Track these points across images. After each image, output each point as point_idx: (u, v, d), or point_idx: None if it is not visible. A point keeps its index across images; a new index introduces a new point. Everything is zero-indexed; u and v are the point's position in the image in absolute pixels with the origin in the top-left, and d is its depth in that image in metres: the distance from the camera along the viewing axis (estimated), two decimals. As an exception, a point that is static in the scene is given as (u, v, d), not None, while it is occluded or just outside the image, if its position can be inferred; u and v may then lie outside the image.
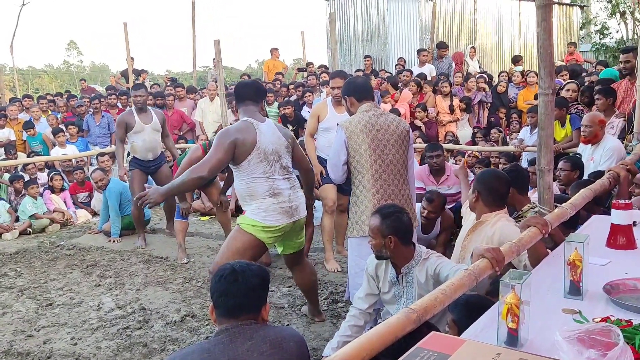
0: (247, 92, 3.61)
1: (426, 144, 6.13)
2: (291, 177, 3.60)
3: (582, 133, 4.82)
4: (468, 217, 3.33)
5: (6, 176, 7.85)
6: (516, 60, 11.13)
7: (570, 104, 6.32)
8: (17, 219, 7.22)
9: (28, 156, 8.57)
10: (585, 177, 4.26)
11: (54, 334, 4.03)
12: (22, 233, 7.02)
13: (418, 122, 8.32)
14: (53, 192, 7.67)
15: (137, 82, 10.33)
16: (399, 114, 7.96)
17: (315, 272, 4.10)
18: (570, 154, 5.25)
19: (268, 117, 4.22)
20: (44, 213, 7.24)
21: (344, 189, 4.61)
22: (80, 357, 3.67)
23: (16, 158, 8.37)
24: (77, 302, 4.62)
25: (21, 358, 3.69)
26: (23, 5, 17.33)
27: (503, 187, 3.10)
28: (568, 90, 6.57)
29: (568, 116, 6.11)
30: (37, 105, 9.95)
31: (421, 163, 6.19)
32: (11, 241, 6.75)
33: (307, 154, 5.38)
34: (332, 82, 4.96)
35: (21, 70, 35.20)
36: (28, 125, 9.04)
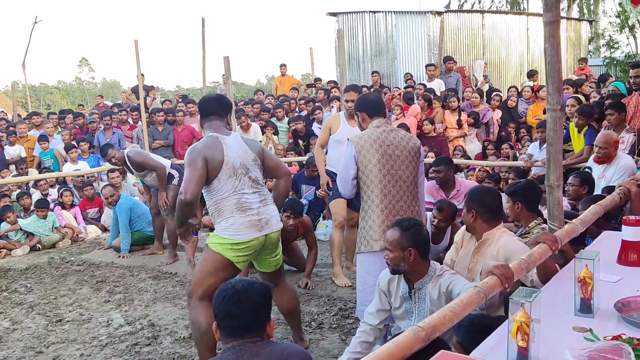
0: (212, 107, 3.56)
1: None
2: (261, 190, 3.49)
3: (596, 154, 4.78)
4: (463, 241, 3.27)
5: (15, 193, 7.91)
6: (531, 74, 11.08)
7: (567, 119, 6.30)
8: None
9: (40, 172, 8.65)
10: (596, 193, 4.23)
11: (64, 350, 4.04)
12: (32, 249, 7.07)
13: (427, 133, 8.34)
14: (63, 208, 7.72)
15: (147, 98, 10.43)
16: (407, 129, 7.98)
17: (297, 296, 3.91)
18: (581, 169, 5.21)
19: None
20: (55, 228, 7.28)
21: (355, 204, 4.61)
22: (89, 374, 3.67)
23: (27, 174, 8.46)
24: (87, 318, 4.62)
25: (30, 374, 3.69)
26: (36, 23, 17.65)
27: (497, 201, 3.12)
28: (568, 105, 6.54)
29: (586, 127, 6.03)
30: (50, 122, 10.07)
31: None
32: (22, 257, 6.78)
33: (317, 165, 5.43)
34: (347, 95, 5.00)
35: (33, 87, 35.65)
36: (43, 138, 9.14)
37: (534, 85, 10.24)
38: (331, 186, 5.16)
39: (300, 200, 7.17)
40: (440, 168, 5.18)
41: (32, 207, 7.59)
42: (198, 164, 3.27)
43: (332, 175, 5.03)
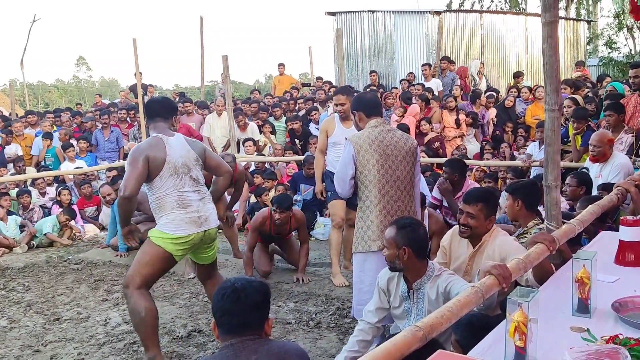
0: (157, 109, 3.72)
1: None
2: (201, 189, 3.68)
3: (590, 152, 4.80)
4: (451, 246, 3.23)
5: (14, 191, 7.90)
6: (517, 75, 11.11)
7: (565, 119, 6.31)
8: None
9: (38, 170, 8.64)
10: (594, 192, 4.24)
11: (61, 349, 4.03)
12: (32, 246, 7.06)
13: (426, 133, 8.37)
14: (61, 206, 7.71)
15: (145, 96, 10.41)
16: (407, 129, 8.00)
17: None
18: (578, 170, 5.22)
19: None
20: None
21: (354, 203, 4.62)
22: (86, 373, 3.66)
23: (24, 172, 8.45)
24: (85, 317, 4.62)
25: (28, 373, 3.69)
26: (34, 21, 17.61)
27: (496, 198, 3.18)
28: (564, 106, 6.55)
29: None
30: (48, 121, 10.06)
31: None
32: (20, 255, 6.77)
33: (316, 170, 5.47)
34: (335, 99, 4.99)
35: (31, 85, 35.55)
36: (48, 136, 9.12)
37: (519, 86, 10.26)
38: (324, 196, 5.25)
39: (294, 198, 7.19)
40: (445, 170, 5.18)
41: (32, 205, 7.60)
42: (139, 162, 3.43)
43: (331, 175, 5.04)
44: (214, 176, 4.06)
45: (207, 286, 4.06)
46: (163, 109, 3.73)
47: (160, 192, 3.54)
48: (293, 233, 5.70)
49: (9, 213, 7.35)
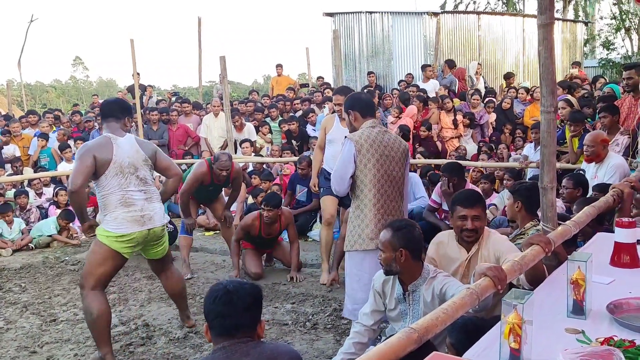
0: (110, 110, 3.86)
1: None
2: (148, 189, 3.80)
3: (584, 152, 4.82)
4: (438, 253, 3.19)
5: (11, 192, 7.89)
6: (508, 77, 11.12)
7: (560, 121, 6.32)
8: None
9: (35, 171, 8.62)
10: (590, 194, 4.24)
11: (57, 350, 4.03)
12: (24, 249, 7.05)
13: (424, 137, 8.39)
14: (58, 207, 7.70)
15: (143, 96, 10.40)
16: (409, 130, 8.01)
17: (183, 280, 4.35)
18: (575, 171, 5.23)
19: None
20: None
21: (346, 203, 4.63)
22: (83, 374, 3.66)
23: (22, 173, 8.44)
24: (81, 318, 4.60)
25: (24, 374, 3.68)
26: (31, 21, 17.52)
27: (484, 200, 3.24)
28: (558, 107, 6.55)
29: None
30: (46, 121, 10.05)
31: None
32: (16, 256, 6.76)
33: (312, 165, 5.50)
34: (335, 99, 5.01)
35: (29, 85, 35.50)
36: (43, 136, 9.11)
37: (516, 86, 10.28)
38: (317, 190, 5.30)
39: (297, 199, 7.20)
40: (444, 174, 5.17)
41: (29, 206, 7.58)
42: (86, 160, 3.59)
43: (325, 173, 5.06)
44: (166, 182, 4.13)
45: (161, 279, 4.24)
46: (116, 110, 3.86)
47: (105, 191, 3.68)
48: (285, 238, 5.73)
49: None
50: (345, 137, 3.72)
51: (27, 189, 8.03)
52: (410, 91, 9.72)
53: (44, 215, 7.73)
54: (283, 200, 7.07)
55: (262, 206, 5.41)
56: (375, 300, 3.09)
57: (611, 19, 21.35)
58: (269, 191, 7.09)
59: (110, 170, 3.64)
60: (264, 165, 8.42)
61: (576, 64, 11.89)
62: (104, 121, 3.88)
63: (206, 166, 5.47)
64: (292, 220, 5.63)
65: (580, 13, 22.81)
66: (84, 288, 3.68)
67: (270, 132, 9.34)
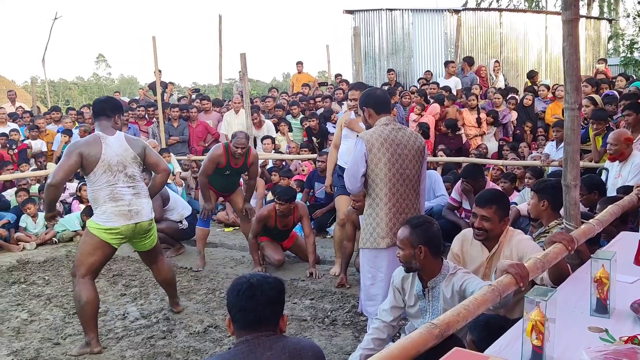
0: (101, 108, 4.02)
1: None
2: (136, 185, 4.00)
3: (607, 150, 4.76)
4: (462, 251, 3.19)
5: (36, 187, 8.03)
6: (531, 75, 10.99)
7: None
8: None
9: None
10: (613, 193, 4.18)
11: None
12: (48, 242, 7.17)
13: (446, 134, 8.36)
14: (81, 202, 7.81)
15: (164, 93, 10.49)
16: (427, 127, 7.97)
17: (172, 270, 4.57)
18: (597, 170, 5.17)
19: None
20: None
21: None
22: (105, 366, 3.72)
23: (45, 168, 8.58)
24: (103, 311, 4.67)
25: (48, 365, 3.74)
26: (55, 19, 17.76)
27: (508, 199, 3.19)
28: (582, 105, 6.46)
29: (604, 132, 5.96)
30: (69, 117, 10.20)
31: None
32: (40, 250, 6.88)
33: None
34: (350, 94, 5.02)
35: (52, 83, 36.02)
36: (67, 132, 9.25)
37: (537, 84, 10.16)
38: (332, 192, 5.35)
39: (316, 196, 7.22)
40: (468, 180, 5.14)
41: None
42: (72, 157, 3.79)
43: (339, 171, 5.07)
44: (154, 177, 4.28)
45: (152, 270, 4.48)
46: (108, 108, 4.02)
47: (94, 186, 3.89)
48: (300, 233, 5.76)
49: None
50: (357, 135, 3.71)
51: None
52: (431, 88, 9.66)
53: (68, 210, 7.84)
54: (300, 195, 7.10)
55: (275, 199, 5.52)
56: (395, 296, 3.08)
57: (633, 18, 20.98)
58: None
59: (98, 167, 3.84)
60: (283, 162, 8.44)
61: (602, 61, 11.71)
62: (96, 119, 4.04)
63: (222, 148, 5.63)
64: (307, 213, 5.68)
65: (605, 10, 22.47)
66: (75, 276, 3.92)
67: (290, 129, 9.36)
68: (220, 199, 6.23)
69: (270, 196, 7.44)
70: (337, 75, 13.10)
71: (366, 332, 3.38)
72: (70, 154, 3.80)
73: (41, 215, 7.35)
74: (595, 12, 22.01)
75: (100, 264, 4.02)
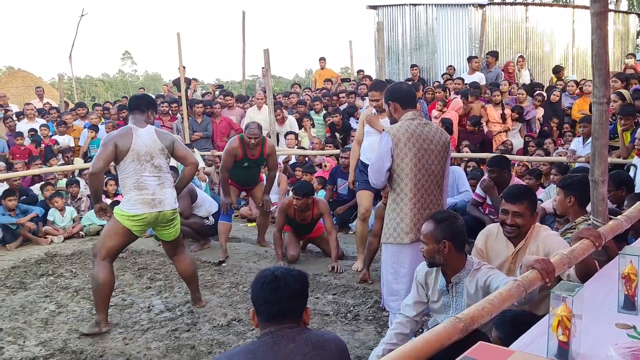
0: (137, 104, 4.30)
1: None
2: (162, 175, 4.20)
3: (636, 146, 4.67)
4: (487, 246, 3.17)
5: (63, 181, 8.17)
6: (557, 70, 10.82)
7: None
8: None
9: (86, 161, 8.91)
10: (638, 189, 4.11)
11: (106, 333, 4.16)
12: (75, 236, 7.30)
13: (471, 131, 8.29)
14: (107, 196, 7.93)
15: (187, 90, 10.57)
16: (450, 123, 7.91)
17: (194, 264, 4.67)
18: (625, 167, 5.08)
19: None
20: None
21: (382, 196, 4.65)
22: (130, 357, 3.77)
23: (72, 163, 8.74)
24: (129, 304, 4.75)
25: (75, 356, 3.82)
26: (82, 16, 18.03)
27: (535, 194, 3.21)
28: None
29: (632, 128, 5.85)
30: (95, 113, 10.35)
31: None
32: (67, 243, 7.00)
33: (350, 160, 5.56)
34: (370, 95, 5.04)
35: (79, 79, 36.55)
36: (93, 127, 9.40)
37: (563, 80, 10.00)
38: (354, 187, 5.34)
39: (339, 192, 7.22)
40: (493, 169, 5.04)
41: (79, 195, 7.84)
42: (108, 147, 4.04)
43: (361, 166, 5.07)
44: (183, 170, 4.50)
45: (174, 262, 4.59)
46: (142, 104, 4.29)
47: (123, 174, 4.12)
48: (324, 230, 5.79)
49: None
50: (384, 129, 3.70)
51: (78, 178, 8.29)
52: (456, 84, 9.58)
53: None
54: (324, 193, 7.11)
55: (292, 194, 5.57)
56: (418, 291, 3.07)
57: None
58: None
59: (128, 156, 4.07)
60: (306, 158, 8.46)
61: (631, 55, 11.47)
62: (130, 113, 4.30)
63: (237, 140, 5.75)
64: (328, 210, 5.67)
65: (635, 4, 21.99)
66: (95, 257, 4.17)
67: (313, 125, 9.37)
68: (243, 193, 6.28)
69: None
70: (360, 71, 13.07)
71: (389, 327, 3.38)
72: (106, 144, 4.07)
73: (68, 209, 7.49)
74: (623, 6, 21.55)
75: (119, 249, 4.25)
